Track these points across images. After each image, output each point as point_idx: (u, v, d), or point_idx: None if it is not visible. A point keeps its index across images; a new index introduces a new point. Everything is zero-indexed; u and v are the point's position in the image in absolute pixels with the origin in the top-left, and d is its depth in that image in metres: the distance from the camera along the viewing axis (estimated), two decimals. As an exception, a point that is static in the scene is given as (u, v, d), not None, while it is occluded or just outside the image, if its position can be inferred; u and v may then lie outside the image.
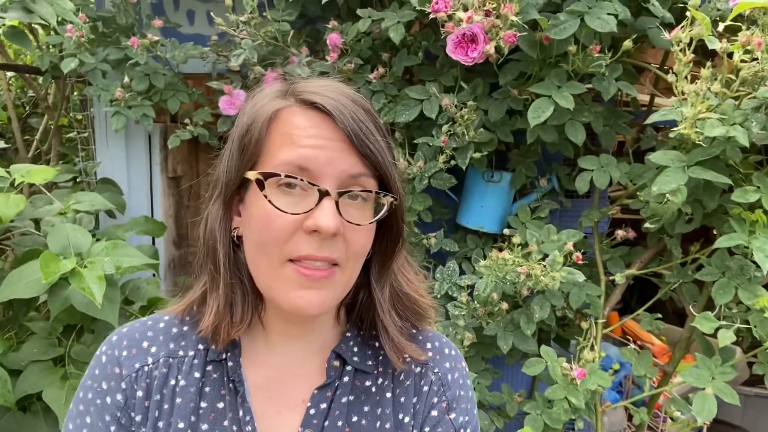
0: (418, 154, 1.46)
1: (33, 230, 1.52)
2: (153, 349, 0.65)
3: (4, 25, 1.12)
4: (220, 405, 0.64)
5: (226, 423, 0.63)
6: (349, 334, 0.71)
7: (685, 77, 1.01)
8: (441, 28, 1.13)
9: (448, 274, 1.54)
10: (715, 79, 1.01)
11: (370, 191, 0.61)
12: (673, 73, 1.06)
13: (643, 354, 1.44)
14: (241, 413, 0.64)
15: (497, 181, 1.54)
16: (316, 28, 1.73)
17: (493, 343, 1.51)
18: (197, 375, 0.65)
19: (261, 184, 0.59)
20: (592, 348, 1.34)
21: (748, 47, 0.95)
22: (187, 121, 1.78)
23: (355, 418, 0.67)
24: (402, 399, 0.70)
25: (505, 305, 1.37)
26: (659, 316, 1.47)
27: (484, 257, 1.51)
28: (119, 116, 1.70)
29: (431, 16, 1.12)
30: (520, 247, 1.34)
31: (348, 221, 0.60)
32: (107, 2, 1.98)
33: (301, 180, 0.58)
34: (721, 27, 1.10)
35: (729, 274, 1.23)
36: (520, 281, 1.30)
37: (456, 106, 1.35)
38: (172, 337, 0.67)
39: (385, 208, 0.63)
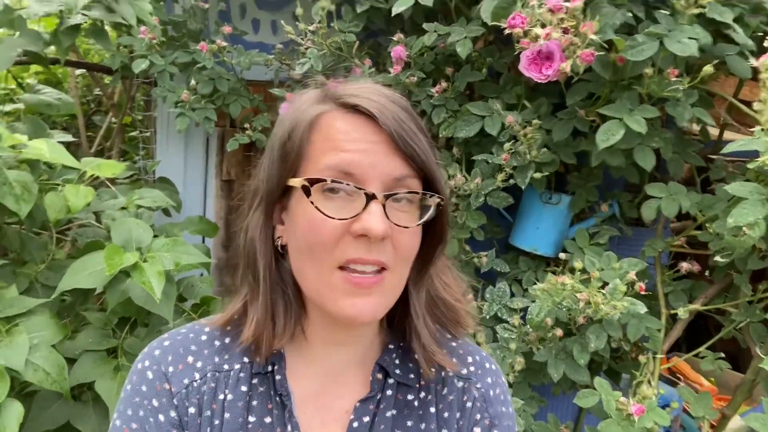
0: (476, 170, 1.44)
1: (94, 222, 1.57)
2: (199, 364, 0.64)
3: (86, 22, 1.17)
4: (268, 419, 0.63)
5: None
6: (391, 346, 0.70)
7: (771, 106, 0.97)
8: (516, 44, 1.11)
9: (498, 295, 1.50)
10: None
11: (417, 192, 0.60)
12: (758, 101, 1.01)
13: (703, 394, 1.36)
14: (289, 428, 0.63)
15: (555, 203, 1.50)
16: (378, 41, 1.74)
17: (542, 370, 1.46)
18: (244, 389, 0.64)
19: (307, 191, 0.58)
20: (649, 383, 1.28)
21: None
22: (246, 125, 1.82)
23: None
24: (446, 414, 0.69)
25: (559, 332, 1.33)
26: (722, 355, 1.40)
27: (536, 280, 1.47)
28: (183, 117, 1.74)
29: (506, 31, 1.10)
30: (579, 273, 1.29)
31: (396, 224, 0.59)
32: (177, 7, 2.06)
33: (347, 184, 0.57)
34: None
35: (804, 316, 1.16)
36: (578, 308, 1.26)
37: (520, 124, 1.33)
38: (216, 351, 0.65)
39: (431, 209, 0.62)
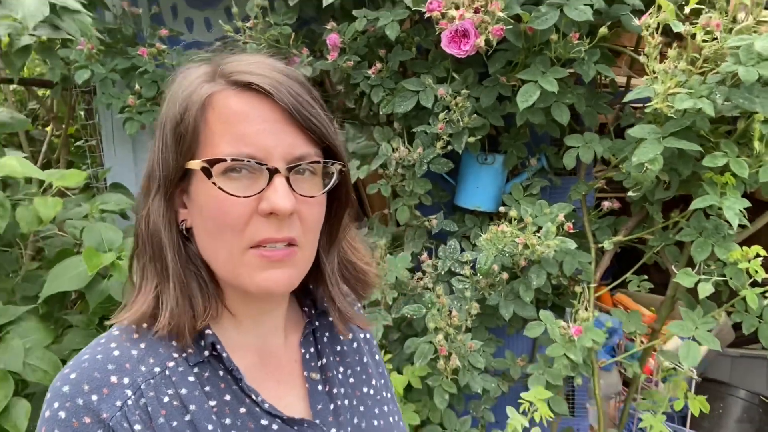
0: (417, 141, 1.58)
1: (58, 232, 1.63)
2: (126, 380, 0.58)
3: (35, 41, 1.22)
4: (228, 397, 0.62)
5: (243, 410, 0.62)
6: (305, 308, 0.75)
7: (655, 58, 1.14)
8: (436, 25, 1.24)
9: (450, 252, 1.66)
10: (682, 57, 1.13)
11: (318, 162, 0.61)
12: (644, 54, 1.18)
13: (633, 313, 1.57)
14: (253, 396, 0.63)
15: (491, 163, 1.66)
16: (311, 29, 1.84)
17: (495, 314, 1.63)
18: (191, 379, 0.61)
19: (207, 172, 0.57)
20: (585, 309, 1.47)
21: (708, 29, 1.08)
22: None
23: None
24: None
25: (505, 275, 1.50)
26: (645, 277, 1.61)
27: (482, 234, 1.63)
28: (132, 122, 1.80)
29: (426, 14, 1.23)
30: (516, 222, 1.46)
31: (302, 195, 0.59)
32: (107, 15, 2.08)
33: (248, 161, 0.57)
34: (687, 10, 1.23)
35: (705, 233, 1.36)
36: (518, 252, 1.42)
37: (450, 95, 1.47)
38: (138, 359, 0.60)
39: (335, 176, 0.63)
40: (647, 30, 1.14)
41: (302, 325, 0.74)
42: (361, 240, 0.75)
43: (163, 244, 0.61)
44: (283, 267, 0.60)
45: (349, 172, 0.67)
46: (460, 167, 1.72)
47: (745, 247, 1.27)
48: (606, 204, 1.57)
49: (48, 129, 2.52)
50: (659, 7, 1.12)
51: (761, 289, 1.29)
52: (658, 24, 1.13)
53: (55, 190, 1.30)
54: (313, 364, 0.71)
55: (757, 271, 1.26)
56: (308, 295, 0.75)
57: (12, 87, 2.51)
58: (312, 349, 0.72)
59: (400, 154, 1.55)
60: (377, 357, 0.82)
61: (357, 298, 0.77)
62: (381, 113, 1.60)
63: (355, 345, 0.78)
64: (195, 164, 0.58)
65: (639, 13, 1.34)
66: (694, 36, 1.12)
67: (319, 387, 0.70)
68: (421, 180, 1.61)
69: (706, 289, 1.30)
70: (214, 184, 0.57)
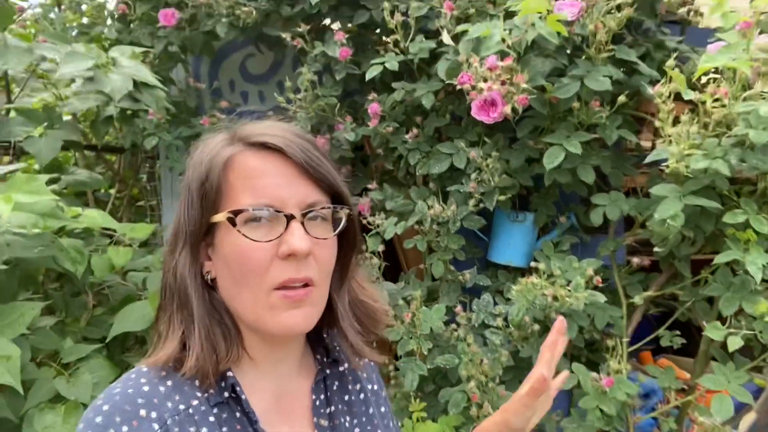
0: (451, 200, 1.69)
1: (121, 281, 1.78)
2: (154, 414, 0.62)
3: (121, 111, 1.42)
4: None
5: None
6: (318, 355, 0.79)
7: (670, 122, 1.24)
8: (466, 96, 1.38)
9: (483, 305, 1.73)
10: (694, 122, 1.23)
11: (329, 207, 0.67)
12: (659, 119, 1.28)
13: (667, 369, 1.59)
14: None
15: (522, 221, 1.75)
16: (354, 100, 2.02)
17: (529, 367, 1.67)
18: (212, 419, 0.64)
19: (232, 222, 0.64)
20: (618, 363, 1.50)
21: (717, 96, 1.18)
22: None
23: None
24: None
25: (537, 327, 1.55)
26: (678, 333, 1.63)
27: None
28: (191, 183, 1.98)
29: (458, 87, 1.38)
30: (545, 275, 1.53)
31: (316, 237, 0.65)
32: (173, 88, 2.33)
33: (267, 210, 0.63)
34: (704, 79, 1.34)
35: (733, 288, 1.40)
36: (548, 304, 1.49)
37: (482, 157, 1.59)
38: (165, 395, 0.64)
39: (343, 220, 0.69)
40: (660, 98, 1.24)
41: (314, 372, 0.77)
42: (368, 280, 0.80)
43: (189, 293, 0.66)
44: (302, 306, 0.65)
45: (356, 215, 0.73)
46: (493, 225, 1.82)
47: (771, 301, 1.31)
48: (635, 260, 1.63)
49: (112, 191, 2.76)
50: (671, 78, 1.24)
51: (791, 344, 1.31)
52: (670, 92, 1.23)
53: (126, 241, 1.46)
54: (322, 410, 0.75)
55: (785, 325, 1.29)
56: (321, 343, 0.79)
57: (84, 153, 2.78)
58: (322, 396, 0.76)
59: (435, 211, 1.66)
60: (383, 409, 0.84)
61: (367, 334, 0.79)
62: (417, 174, 1.73)
63: (362, 396, 0.81)
64: (220, 216, 0.65)
65: (657, 83, 1.46)
66: (704, 103, 1.22)
67: None
68: (455, 236, 1.71)
69: (735, 342, 1.32)
70: (239, 231, 0.63)
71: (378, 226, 1.73)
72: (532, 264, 1.69)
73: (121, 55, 1.32)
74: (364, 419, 0.79)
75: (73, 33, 2.11)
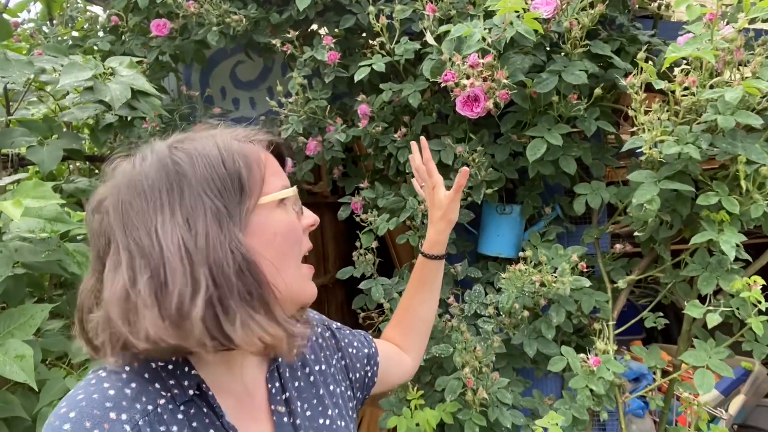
0: (440, 195, 1.75)
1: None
2: (124, 416, 0.62)
3: (119, 118, 1.47)
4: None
5: None
6: None
7: (642, 111, 1.31)
8: (450, 93, 1.45)
9: (475, 296, 1.79)
10: (664, 110, 1.30)
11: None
12: (632, 109, 1.35)
13: (652, 348, 1.66)
14: None
15: (509, 213, 1.82)
16: (344, 102, 2.09)
17: (521, 354, 1.74)
18: (180, 417, 0.66)
19: (282, 202, 0.72)
20: (605, 343, 1.57)
21: (686, 84, 1.25)
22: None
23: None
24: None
25: (526, 313, 1.62)
26: (661, 314, 1.70)
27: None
28: (187, 188, 2.03)
29: (442, 84, 1.44)
30: (532, 263, 1.60)
31: None
32: (165, 97, 2.38)
33: (292, 192, 0.74)
34: (672, 70, 1.41)
35: (710, 268, 1.47)
36: (536, 291, 1.55)
37: (468, 152, 1.66)
38: (132, 398, 0.64)
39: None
40: (633, 88, 1.32)
41: (267, 362, 0.81)
42: None
43: (232, 272, 0.68)
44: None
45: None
46: (482, 218, 1.88)
47: (746, 278, 1.38)
48: (618, 246, 1.70)
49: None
50: (642, 69, 1.31)
51: (766, 317, 1.38)
52: (642, 83, 1.30)
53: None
54: (278, 397, 0.78)
55: (760, 301, 1.36)
56: None
57: (78, 164, 2.82)
58: (277, 384, 0.80)
59: (425, 206, 1.73)
60: (331, 388, 0.88)
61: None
62: (407, 171, 1.79)
63: (312, 378, 0.85)
64: (270, 197, 0.70)
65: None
66: (674, 91, 1.29)
67: (285, 419, 0.77)
68: (446, 230, 1.77)
69: (713, 319, 1.39)
70: (292, 209, 0.74)
71: (371, 224, 1.79)
72: (521, 254, 1.76)
73: (119, 64, 1.37)
74: (315, 401, 0.83)
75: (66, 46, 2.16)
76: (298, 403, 0.80)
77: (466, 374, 1.54)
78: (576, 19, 1.42)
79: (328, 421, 0.83)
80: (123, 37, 2.10)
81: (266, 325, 0.64)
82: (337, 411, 0.86)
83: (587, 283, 1.54)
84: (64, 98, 1.53)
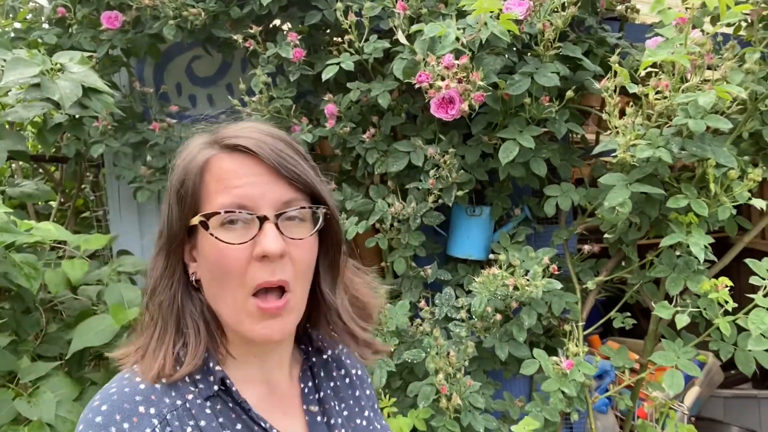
0: (410, 197, 1.72)
1: (73, 295, 1.71)
2: (152, 410, 0.64)
3: (69, 117, 1.36)
4: (239, 426, 0.68)
5: None
6: (304, 338, 0.82)
7: (616, 115, 1.31)
8: (425, 94, 1.41)
9: (445, 299, 1.77)
10: (638, 114, 1.31)
11: (304, 207, 0.68)
12: (606, 112, 1.36)
13: (620, 349, 1.68)
14: (261, 424, 0.68)
15: (479, 215, 1.81)
16: (308, 101, 2.02)
17: (492, 357, 1.73)
18: (208, 411, 0.67)
19: (205, 225, 0.65)
20: (576, 345, 1.57)
21: (659, 89, 1.26)
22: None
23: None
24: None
25: (498, 316, 1.61)
26: (628, 314, 1.72)
27: (475, 281, 1.75)
28: (143, 191, 1.93)
29: (416, 86, 1.41)
30: (505, 266, 1.58)
31: (291, 238, 0.66)
32: (117, 94, 2.25)
33: (240, 212, 0.64)
34: (643, 73, 1.42)
35: (678, 269, 1.50)
36: (509, 294, 1.54)
37: (439, 154, 1.63)
38: (162, 392, 0.66)
39: (321, 219, 0.69)
40: (607, 92, 1.31)
41: (300, 361, 0.80)
42: (357, 274, 0.81)
43: (177, 294, 0.68)
44: (277, 317, 0.66)
45: (336, 214, 0.73)
46: (451, 220, 1.86)
47: (713, 279, 1.40)
48: (586, 247, 1.71)
49: (53, 203, 2.64)
50: (616, 73, 1.31)
51: (732, 318, 1.41)
52: (616, 86, 1.31)
53: (81, 253, 1.40)
54: (311, 397, 0.78)
55: (727, 302, 1.39)
56: (305, 333, 0.81)
57: (20, 164, 2.64)
58: (310, 384, 0.79)
59: (396, 209, 1.69)
60: (368, 392, 0.87)
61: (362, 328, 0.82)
62: (375, 173, 1.75)
63: (348, 380, 0.84)
64: (196, 219, 0.66)
65: (601, 77, 1.54)
66: (647, 95, 1.30)
67: (318, 418, 0.76)
68: (415, 233, 1.74)
69: (682, 320, 1.41)
70: (212, 234, 0.65)
71: (339, 226, 1.74)
72: (491, 256, 1.75)
73: (70, 60, 1.27)
74: (351, 402, 0.82)
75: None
76: (334, 403, 0.80)
77: (440, 381, 1.51)
78: (549, 20, 1.41)
79: (365, 422, 0.82)
80: (70, 30, 1.97)
81: (189, 343, 0.68)
82: (372, 414, 0.85)
83: (559, 285, 1.54)
84: (6, 95, 1.41)
